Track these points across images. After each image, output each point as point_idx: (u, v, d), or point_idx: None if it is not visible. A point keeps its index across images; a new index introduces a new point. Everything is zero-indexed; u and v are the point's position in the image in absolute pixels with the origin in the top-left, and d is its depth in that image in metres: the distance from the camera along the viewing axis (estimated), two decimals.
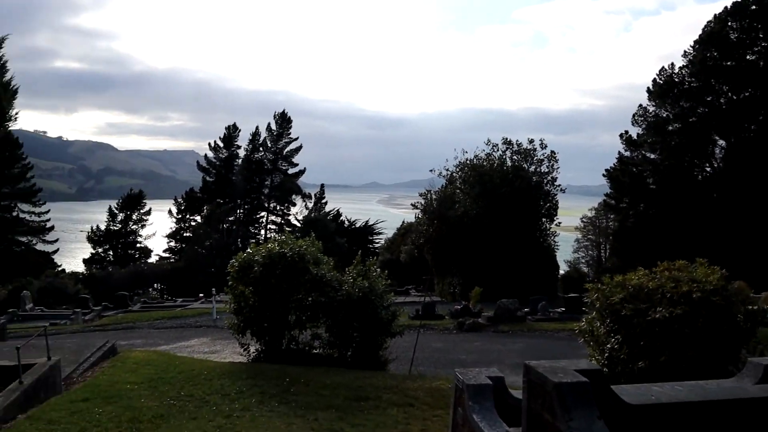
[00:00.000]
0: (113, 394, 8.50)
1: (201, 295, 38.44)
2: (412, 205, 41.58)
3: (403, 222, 58.74)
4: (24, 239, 55.88)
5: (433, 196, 38.00)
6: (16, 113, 45.89)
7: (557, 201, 38.40)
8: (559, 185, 38.43)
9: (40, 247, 56.99)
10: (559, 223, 39.71)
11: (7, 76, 44.03)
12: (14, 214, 55.43)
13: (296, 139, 73.84)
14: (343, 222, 68.07)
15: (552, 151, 37.45)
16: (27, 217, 57.00)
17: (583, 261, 65.43)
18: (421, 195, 39.19)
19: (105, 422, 7.31)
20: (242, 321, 12.06)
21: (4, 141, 54.29)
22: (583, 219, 67.74)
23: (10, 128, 52.19)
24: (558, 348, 15.79)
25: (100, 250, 62.71)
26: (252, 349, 12.16)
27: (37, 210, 57.95)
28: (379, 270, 12.92)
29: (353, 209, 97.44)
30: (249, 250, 12.56)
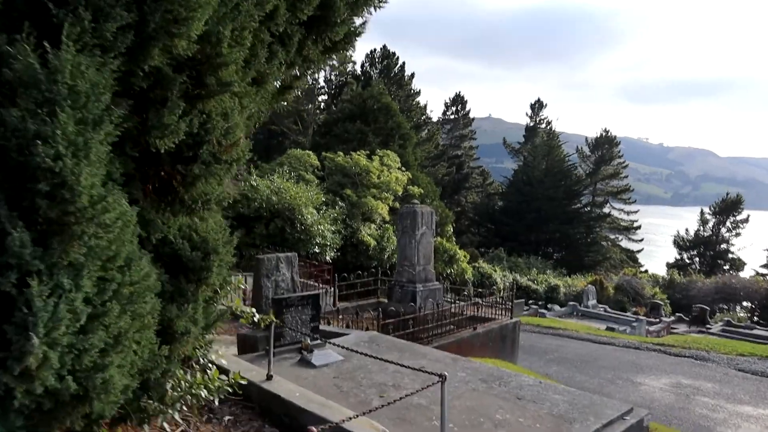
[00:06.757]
0: None
1: None
2: None
3: None
4: (611, 235, 58.35)
5: None
6: None
7: None
8: None
9: (624, 244, 58.59)
10: None
11: None
12: (605, 210, 58.51)
13: None
14: None
15: None
16: (617, 214, 59.44)
17: None
18: None
19: None
20: None
21: (603, 139, 58.06)
22: None
23: (610, 131, 55.26)
24: None
25: (685, 255, 59.09)
26: None
27: (627, 209, 60.02)
28: None
29: None
30: None
